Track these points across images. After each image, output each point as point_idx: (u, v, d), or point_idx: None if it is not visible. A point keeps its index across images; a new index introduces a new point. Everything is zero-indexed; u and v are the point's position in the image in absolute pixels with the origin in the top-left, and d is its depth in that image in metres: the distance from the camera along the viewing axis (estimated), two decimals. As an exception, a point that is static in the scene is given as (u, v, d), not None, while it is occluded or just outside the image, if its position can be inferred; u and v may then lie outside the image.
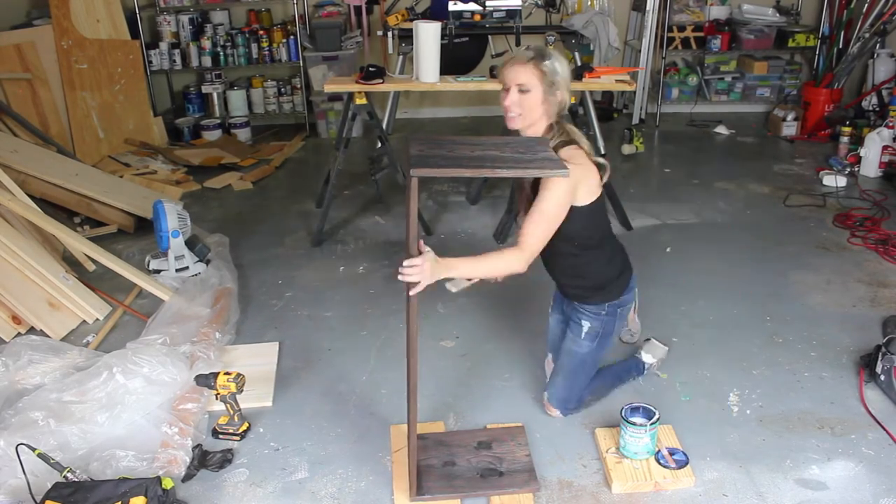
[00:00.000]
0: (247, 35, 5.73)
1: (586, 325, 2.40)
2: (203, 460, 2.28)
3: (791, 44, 5.73)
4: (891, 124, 4.71)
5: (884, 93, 5.28)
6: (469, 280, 2.31)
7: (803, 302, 3.21)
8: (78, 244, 3.38)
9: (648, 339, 2.77)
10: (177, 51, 5.68)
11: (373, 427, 2.47)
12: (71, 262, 3.50)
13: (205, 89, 5.82)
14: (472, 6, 4.30)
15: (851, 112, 5.37)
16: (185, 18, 5.70)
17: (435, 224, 4.10)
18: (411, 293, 1.90)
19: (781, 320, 3.06)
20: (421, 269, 1.88)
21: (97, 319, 3.17)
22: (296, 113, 5.98)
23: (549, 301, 2.65)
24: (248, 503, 2.17)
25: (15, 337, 2.96)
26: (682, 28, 5.74)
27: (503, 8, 4.34)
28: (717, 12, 5.83)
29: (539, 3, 4.75)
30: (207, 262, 3.50)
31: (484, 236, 3.94)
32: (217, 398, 2.42)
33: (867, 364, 2.67)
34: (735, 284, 3.37)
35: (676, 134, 5.68)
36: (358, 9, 5.68)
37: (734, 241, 3.82)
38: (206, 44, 5.69)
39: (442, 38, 3.81)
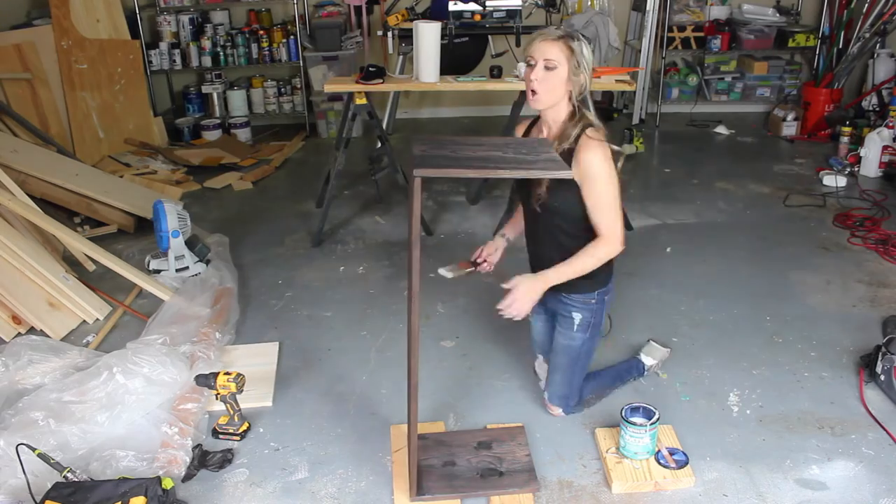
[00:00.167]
0: (247, 35, 5.74)
1: (577, 316, 2.36)
2: (203, 460, 2.28)
3: (791, 44, 5.73)
4: (891, 124, 4.71)
5: (884, 93, 5.28)
6: (464, 268, 2.32)
7: (803, 302, 3.21)
8: (78, 244, 3.38)
9: (649, 341, 2.77)
10: (177, 51, 5.69)
11: (373, 427, 2.47)
12: (71, 262, 3.50)
13: (205, 89, 5.82)
14: (472, 6, 4.30)
15: (851, 112, 5.37)
16: (185, 18, 5.70)
17: (435, 224, 4.10)
18: (518, 318, 2.13)
19: (781, 320, 3.06)
20: (517, 300, 2.15)
21: (97, 319, 3.17)
22: (296, 113, 5.98)
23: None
24: (248, 503, 2.17)
25: (15, 337, 2.96)
26: (682, 28, 5.74)
27: (503, 8, 4.33)
28: (717, 12, 5.84)
29: (539, 3, 4.75)
30: (207, 262, 3.50)
31: (484, 236, 3.94)
32: (217, 398, 2.42)
33: (867, 364, 2.67)
34: (735, 284, 3.37)
35: (676, 134, 5.68)
36: (358, 9, 5.68)
37: (734, 241, 3.82)
38: (206, 44, 5.69)
39: (442, 38, 3.81)
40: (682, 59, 6.14)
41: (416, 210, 1.78)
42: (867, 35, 5.30)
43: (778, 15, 5.79)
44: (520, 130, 2.45)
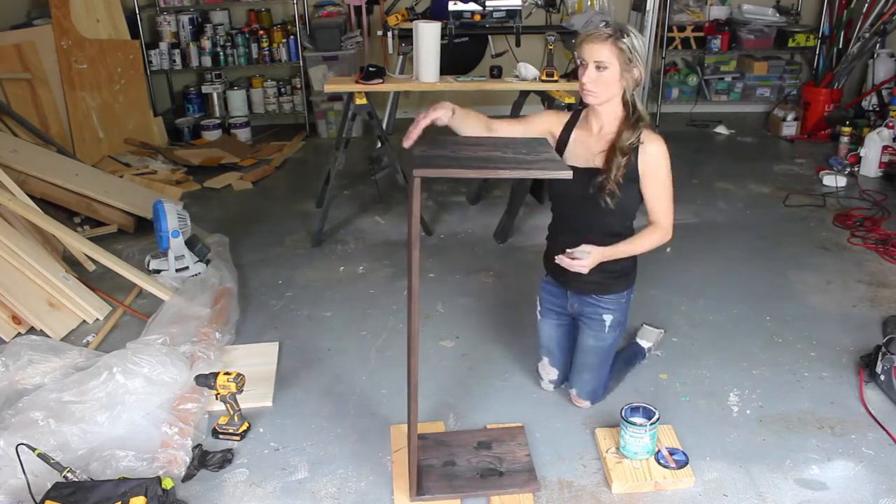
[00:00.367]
0: (247, 35, 5.74)
1: (608, 318, 2.39)
2: (203, 460, 2.28)
3: (791, 44, 5.73)
4: (891, 124, 4.71)
5: (884, 93, 5.28)
6: None
7: (803, 302, 3.21)
8: (78, 244, 3.38)
9: (642, 325, 2.79)
10: (177, 51, 5.69)
11: (373, 427, 2.47)
12: (71, 262, 3.50)
13: (205, 89, 5.82)
14: (472, 6, 4.29)
15: (851, 112, 5.38)
16: (185, 18, 5.70)
17: (435, 224, 4.10)
18: (572, 268, 2.19)
19: (781, 320, 3.06)
20: (585, 262, 2.20)
21: (97, 319, 3.17)
22: (296, 113, 5.98)
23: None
24: (248, 503, 2.17)
25: (15, 337, 2.96)
26: (682, 28, 5.74)
27: (503, 8, 4.33)
28: (717, 12, 5.84)
29: (539, 3, 4.75)
30: (207, 262, 3.50)
31: (484, 236, 3.94)
32: (217, 398, 2.42)
33: (867, 364, 2.67)
34: (735, 284, 3.37)
35: (676, 134, 5.68)
36: (358, 9, 5.68)
37: (734, 241, 3.82)
38: (206, 44, 5.69)
39: (442, 38, 3.81)
40: (682, 59, 6.14)
41: (415, 210, 1.78)
42: (867, 35, 5.30)
43: (778, 15, 5.79)
44: (553, 121, 2.37)
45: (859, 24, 5.32)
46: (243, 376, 2.43)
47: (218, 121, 5.70)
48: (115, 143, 5.13)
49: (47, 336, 2.99)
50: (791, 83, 6.00)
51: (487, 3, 4.30)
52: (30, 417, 2.35)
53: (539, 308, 2.58)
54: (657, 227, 2.28)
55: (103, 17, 5.09)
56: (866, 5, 5.26)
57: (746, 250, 3.73)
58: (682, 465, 2.21)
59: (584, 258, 2.21)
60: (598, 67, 2.15)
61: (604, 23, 2.18)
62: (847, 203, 4.27)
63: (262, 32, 5.73)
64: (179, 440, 2.34)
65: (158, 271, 3.44)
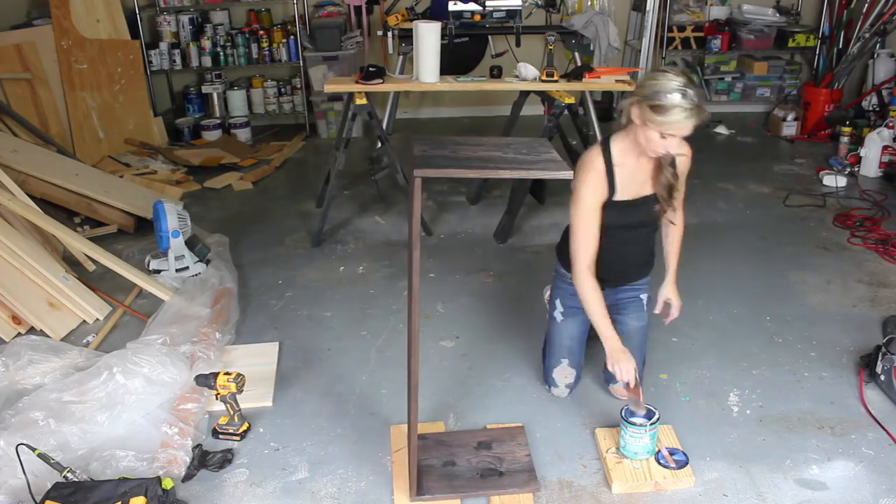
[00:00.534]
0: (247, 35, 5.73)
1: (644, 296, 2.54)
2: (203, 460, 2.28)
3: (791, 44, 5.73)
4: (891, 124, 4.71)
5: (884, 93, 5.28)
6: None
7: (803, 302, 3.21)
8: (78, 244, 3.38)
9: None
10: (177, 51, 5.68)
11: (373, 427, 2.47)
12: (71, 262, 3.50)
13: (205, 89, 5.82)
14: (472, 6, 4.30)
15: (851, 112, 5.37)
16: (185, 18, 5.70)
17: (435, 224, 4.10)
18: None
19: (781, 320, 3.06)
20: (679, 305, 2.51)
21: (97, 319, 3.17)
22: (296, 113, 5.98)
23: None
24: (248, 503, 2.17)
25: (15, 337, 2.96)
26: (682, 28, 5.74)
27: (503, 8, 4.33)
28: (717, 12, 5.84)
29: (539, 3, 4.75)
30: (207, 262, 3.50)
31: (484, 236, 3.94)
32: (217, 398, 2.42)
33: (867, 364, 2.67)
34: (735, 284, 3.37)
35: (676, 134, 5.67)
36: (358, 9, 5.68)
37: (734, 241, 3.82)
38: (206, 44, 5.69)
39: (442, 38, 3.81)
40: (682, 59, 6.14)
41: (416, 210, 1.78)
42: (867, 35, 5.30)
43: (778, 15, 5.79)
44: (599, 187, 2.26)
45: (859, 24, 5.31)
46: (243, 376, 2.43)
47: (218, 121, 5.70)
48: (115, 143, 5.13)
49: (47, 336, 2.99)
50: (791, 83, 5.99)
51: (487, 3, 4.30)
52: (30, 417, 2.35)
53: (558, 311, 2.54)
54: (679, 213, 2.45)
55: (103, 17, 5.09)
56: (866, 5, 5.26)
57: (746, 250, 3.73)
58: (682, 465, 2.21)
59: (677, 304, 2.53)
60: (683, 136, 2.16)
61: (684, 94, 2.07)
62: (847, 203, 4.27)
63: (262, 32, 5.73)
64: (179, 440, 2.34)
65: (158, 271, 3.44)
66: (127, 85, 5.22)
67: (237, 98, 5.84)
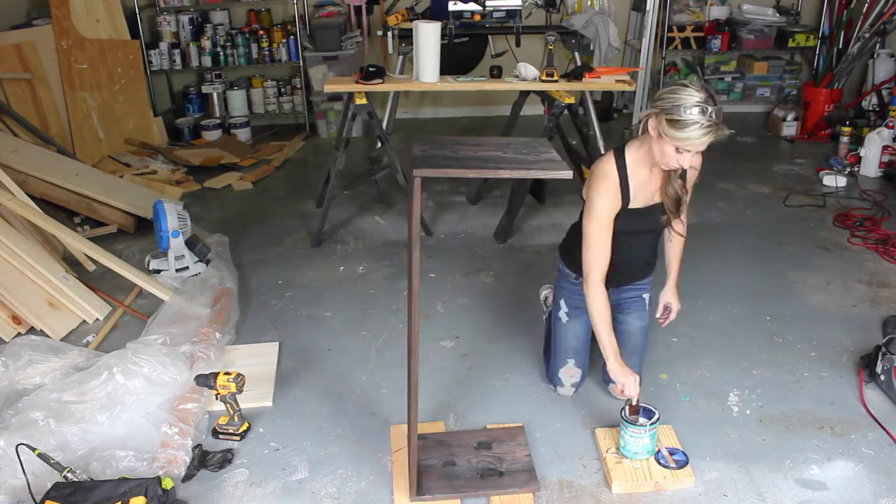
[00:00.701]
0: (247, 35, 5.73)
1: (647, 296, 2.54)
2: (203, 460, 2.28)
3: (791, 44, 5.73)
4: (891, 124, 4.71)
5: (884, 93, 5.28)
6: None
7: (803, 302, 3.21)
8: (78, 244, 3.38)
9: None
10: (177, 51, 5.68)
11: (373, 427, 2.47)
12: (71, 262, 3.50)
13: (205, 89, 5.81)
14: (472, 6, 4.30)
15: (851, 112, 5.37)
16: (185, 18, 5.70)
17: (435, 224, 4.10)
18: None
19: (781, 320, 3.06)
20: (678, 311, 2.57)
21: (97, 319, 3.17)
22: (296, 113, 5.98)
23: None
24: (248, 503, 2.17)
25: (15, 337, 2.96)
26: (682, 28, 5.74)
27: (503, 8, 4.33)
28: (717, 12, 5.84)
29: (539, 3, 4.75)
30: (207, 262, 3.50)
31: (484, 236, 3.94)
32: (217, 398, 2.42)
33: (867, 364, 2.67)
34: (735, 284, 3.37)
35: (676, 134, 5.67)
36: (358, 9, 5.68)
37: (734, 241, 3.82)
38: (206, 44, 5.69)
39: (442, 38, 3.81)
40: (682, 59, 6.14)
41: (416, 210, 1.78)
42: (867, 35, 5.30)
43: (778, 15, 5.79)
44: (613, 196, 2.25)
45: (859, 24, 5.31)
46: (243, 376, 2.43)
47: (218, 121, 5.70)
48: (115, 143, 5.13)
49: (47, 336, 2.99)
50: (791, 83, 5.99)
51: (487, 3, 4.30)
52: (30, 417, 2.35)
53: (563, 311, 2.53)
54: (682, 225, 2.45)
55: (103, 17, 5.09)
56: (866, 5, 5.25)
57: (746, 250, 3.72)
58: (682, 465, 2.21)
59: (676, 310, 2.58)
60: (699, 152, 2.12)
61: (704, 111, 2.01)
62: (847, 203, 4.27)
63: (262, 32, 5.73)
64: (179, 440, 2.34)
65: (158, 271, 3.44)
66: (127, 85, 5.22)
67: (237, 98, 5.84)
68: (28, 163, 3.93)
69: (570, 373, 2.55)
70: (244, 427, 2.43)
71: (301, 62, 5.70)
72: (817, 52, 5.71)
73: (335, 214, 4.16)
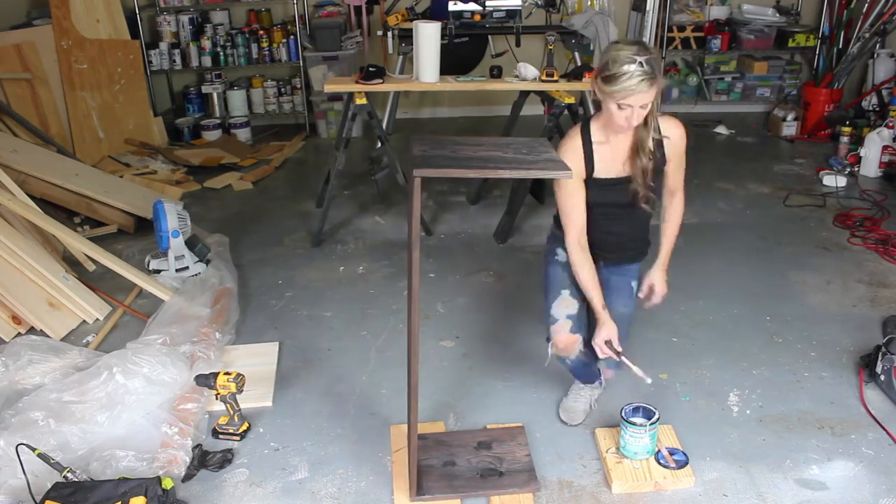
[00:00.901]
0: (247, 35, 5.74)
1: (634, 283, 2.44)
2: (203, 460, 2.28)
3: (791, 44, 5.73)
4: (891, 124, 4.71)
5: (884, 93, 5.28)
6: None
7: (803, 302, 3.21)
8: (78, 244, 3.38)
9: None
10: (177, 51, 5.68)
11: (373, 427, 2.47)
12: (71, 262, 3.50)
13: (205, 89, 5.82)
14: (472, 6, 4.30)
15: (851, 112, 5.37)
16: (185, 18, 5.70)
17: (435, 224, 4.10)
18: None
19: (781, 320, 3.06)
20: (663, 292, 2.43)
21: (97, 319, 3.17)
22: (296, 113, 5.98)
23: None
24: (248, 503, 2.17)
25: (15, 337, 2.96)
26: (682, 28, 5.74)
27: (503, 8, 4.34)
28: (717, 12, 5.84)
29: (539, 3, 4.75)
30: (207, 262, 3.50)
31: (484, 236, 3.94)
32: (217, 398, 2.42)
33: (867, 364, 2.67)
34: (735, 284, 3.37)
35: (676, 134, 5.67)
36: (358, 9, 5.68)
37: (734, 241, 3.82)
38: (206, 44, 5.69)
39: (442, 38, 3.81)
40: (682, 59, 6.14)
41: (415, 210, 1.78)
42: (867, 35, 5.30)
43: (778, 15, 5.79)
44: (575, 161, 2.23)
45: (859, 24, 5.31)
46: (243, 376, 2.43)
47: (218, 121, 5.70)
48: (115, 143, 5.13)
49: (47, 336, 2.99)
50: (791, 83, 5.99)
51: (487, 3, 4.31)
52: (30, 417, 2.35)
53: (559, 255, 2.42)
54: (678, 196, 2.40)
55: (103, 17, 5.09)
56: (866, 5, 5.26)
57: (746, 250, 3.73)
58: (682, 465, 2.21)
59: (661, 290, 2.44)
60: (642, 107, 2.10)
61: (633, 61, 2.03)
62: (847, 203, 4.27)
63: (262, 32, 5.73)
64: (179, 440, 2.34)
65: (158, 271, 3.44)
66: (127, 85, 5.22)
67: (237, 98, 5.84)
68: (28, 163, 3.93)
69: (565, 303, 2.39)
70: (244, 427, 2.43)
71: (301, 62, 5.71)
72: (817, 52, 5.71)
73: (335, 214, 4.16)
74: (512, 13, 4.34)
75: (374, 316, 3.17)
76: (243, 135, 5.66)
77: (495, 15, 4.35)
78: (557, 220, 2.47)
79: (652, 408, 2.24)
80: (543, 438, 2.39)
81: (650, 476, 2.18)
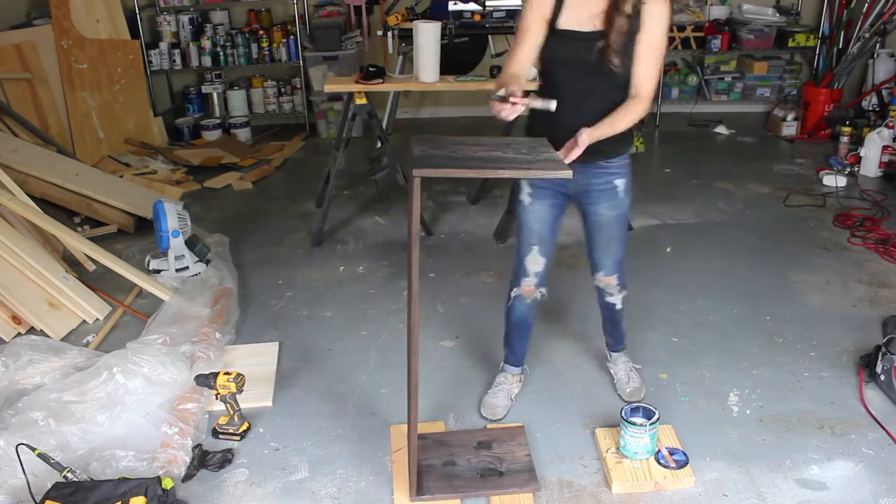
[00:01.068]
0: (247, 35, 5.73)
1: (620, 182, 2.28)
2: (203, 460, 2.28)
3: (791, 44, 5.73)
4: (891, 124, 4.71)
5: (884, 93, 5.28)
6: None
7: (803, 302, 3.21)
8: (78, 244, 3.38)
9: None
10: (177, 51, 5.68)
11: (373, 427, 2.47)
12: (71, 262, 3.50)
13: (205, 89, 5.82)
14: (472, 6, 4.30)
15: (851, 112, 5.37)
16: (185, 18, 5.70)
17: (435, 224, 4.10)
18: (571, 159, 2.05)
19: (781, 320, 3.06)
20: (578, 147, 2.06)
21: (97, 319, 3.17)
22: (296, 113, 5.98)
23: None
24: (248, 503, 2.17)
25: (15, 337, 2.96)
26: (682, 28, 5.73)
27: (503, 8, 4.34)
28: (717, 12, 5.83)
29: (539, 3, 4.74)
30: (207, 262, 3.50)
31: (484, 236, 3.94)
32: (217, 398, 2.42)
33: (867, 364, 2.67)
34: (735, 284, 3.37)
35: (676, 134, 5.68)
36: (358, 9, 5.68)
37: (734, 242, 3.82)
38: (206, 44, 5.69)
39: (442, 38, 3.81)
40: (682, 58, 6.14)
41: (415, 210, 1.79)
42: (867, 35, 5.30)
43: (778, 15, 5.79)
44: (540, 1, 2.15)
45: (859, 24, 5.31)
46: (243, 376, 2.43)
47: (218, 121, 5.70)
48: (115, 143, 5.13)
49: (47, 336, 2.99)
50: (791, 83, 5.99)
51: (487, 3, 4.31)
52: (30, 417, 2.35)
53: (525, 192, 2.35)
54: (639, 100, 2.14)
55: (103, 17, 5.09)
56: (866, 5, 5.25)
57: (746, 250, 3.72)
58: (682, 465, 2.21)
59: (579, 142, 2.07)
60: None
61: None
62: (847, 203, 4.26)
63: (262, 32, 5.73)
64: (179, 440, 2.34)
65: (158, 271, 3.44)
66: (127, 85, 5.22)
67: (237, 98, 5.84)
68: (28, 163, 3.93)
69: (534, 261, 2.38)
70: (244, 427, 2.43)
71: (301, 62, 5.70)
72: (817, 52, 5.70)
73: (335, 214, 4.16)
74: (512, 13, 4.34)
75: (374, 316, 3.17)
76: (243, 135, 5.66)
77: (495, 15, 4.35)
78: (530, 133, 2.31)
79: (652, 408, 2.24)
80: (543, 438, 2.39)
81: (650, 476, 2.18)
